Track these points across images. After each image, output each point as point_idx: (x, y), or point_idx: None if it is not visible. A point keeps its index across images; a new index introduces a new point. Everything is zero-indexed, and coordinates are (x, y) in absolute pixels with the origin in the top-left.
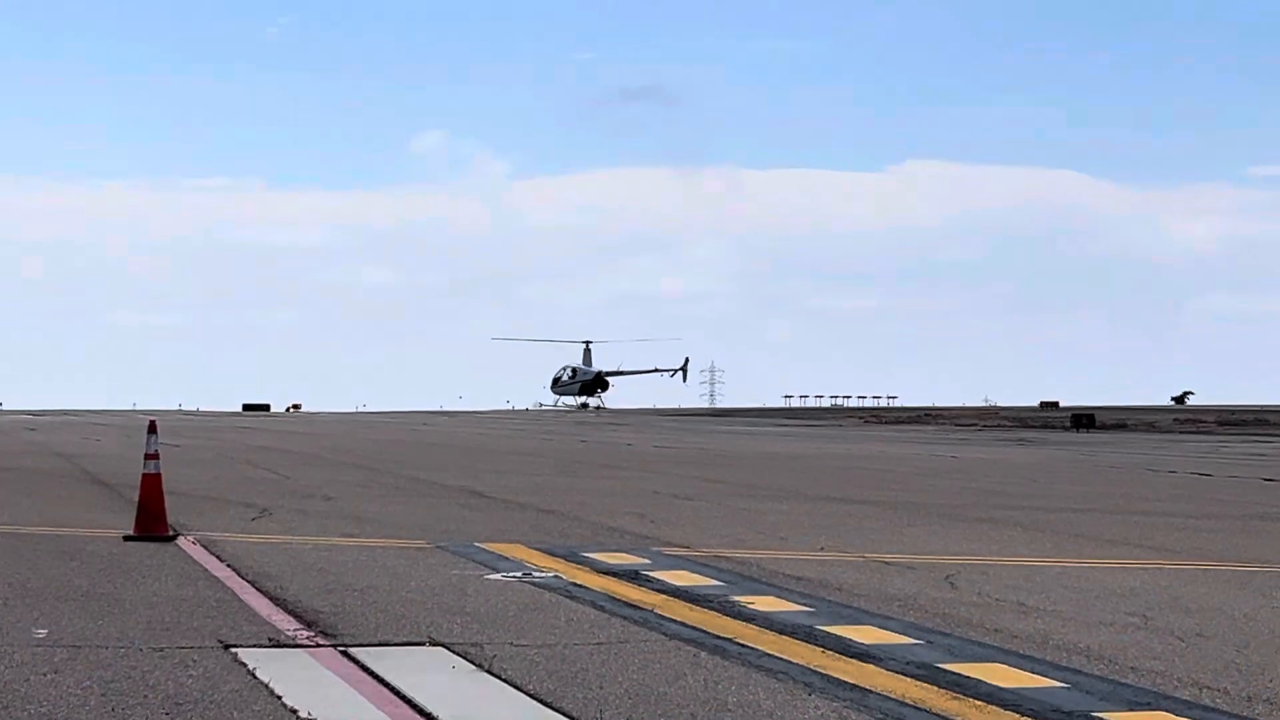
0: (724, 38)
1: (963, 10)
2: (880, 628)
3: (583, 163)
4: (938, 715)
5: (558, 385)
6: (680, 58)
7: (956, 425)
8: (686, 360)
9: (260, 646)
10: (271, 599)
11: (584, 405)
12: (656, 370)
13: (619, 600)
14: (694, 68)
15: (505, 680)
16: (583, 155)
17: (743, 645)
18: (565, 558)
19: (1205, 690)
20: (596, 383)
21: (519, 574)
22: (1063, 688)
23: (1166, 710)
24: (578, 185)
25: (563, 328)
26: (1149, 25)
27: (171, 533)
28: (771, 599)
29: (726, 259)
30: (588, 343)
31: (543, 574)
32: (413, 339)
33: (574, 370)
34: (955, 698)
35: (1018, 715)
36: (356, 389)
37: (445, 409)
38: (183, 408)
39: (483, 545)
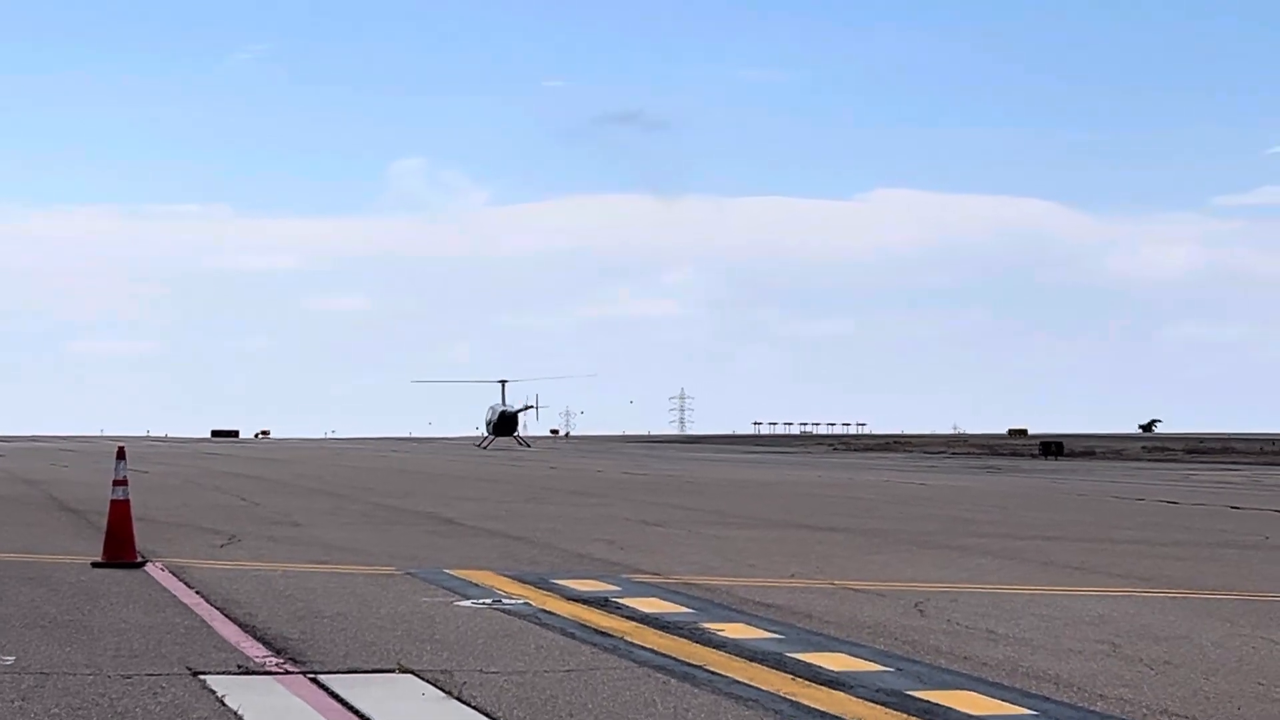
0: (702, 67)
1: (934, 43)
2: (850, 655)
3: (560, 189)
4: None
5: (489, 426)
6: (658, 87)
7: (925, 453)
8: (537, 397)
9: (229, 673)
10: (240, 626)
11: (489, 442)
12: (527, 407)
13: (589, 627)
14: (671, 97)
15: (475, 707)
16: (560, 182)
17: (712, 672)
18: (535, 584)
19: (1173, 717)
20: (502, 421)
21: (489, 601)
22: (1032, 715)
23: None
24: (555, 212)
25: (537, 354)
26: (1118, 58)
27: (140, 559)
28: (741, 626)
29: (700, 286)
30: (503, 381)
31: (512, 601)
32: (383, 366)
33: (492, 409)
34: None
35: None
36: (326, 416)
37: (415, 436)
38: (151, 434)
39: (452, 572)
